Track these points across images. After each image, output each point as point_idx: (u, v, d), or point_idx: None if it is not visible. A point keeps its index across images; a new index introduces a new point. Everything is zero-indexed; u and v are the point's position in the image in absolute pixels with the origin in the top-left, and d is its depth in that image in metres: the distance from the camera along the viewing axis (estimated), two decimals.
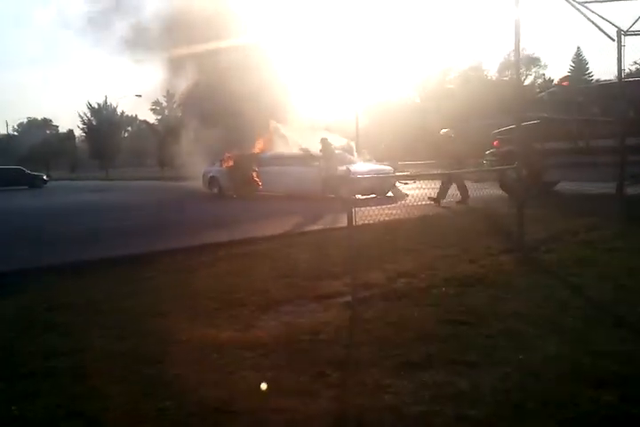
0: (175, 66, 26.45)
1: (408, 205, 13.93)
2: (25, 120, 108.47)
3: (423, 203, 14.52)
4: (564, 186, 16.08)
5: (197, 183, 23.02)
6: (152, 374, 3.80)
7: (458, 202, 13.19)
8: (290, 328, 4.66)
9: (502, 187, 13.90)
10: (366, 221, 7.06)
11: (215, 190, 20.75)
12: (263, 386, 3.51)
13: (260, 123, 21.48)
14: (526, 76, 68.14)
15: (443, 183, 13.98)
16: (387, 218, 9.82)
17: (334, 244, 8.19)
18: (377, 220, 8.85)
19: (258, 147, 20.50)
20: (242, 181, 19.09)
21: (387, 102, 58.01)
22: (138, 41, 26.27)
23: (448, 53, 70.35)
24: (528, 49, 65.84)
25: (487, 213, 11.13)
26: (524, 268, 6.41)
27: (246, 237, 9.61)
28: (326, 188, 15.38)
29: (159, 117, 75.00)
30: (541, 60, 67.97)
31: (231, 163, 20.02)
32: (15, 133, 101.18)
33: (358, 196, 16.45)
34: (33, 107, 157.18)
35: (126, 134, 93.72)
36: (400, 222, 9.80)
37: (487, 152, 15.22)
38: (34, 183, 38.65)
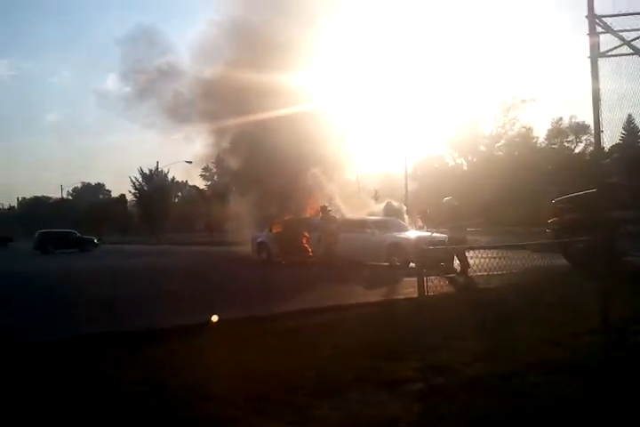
0: (220, 133, 26.73)
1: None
2: (79, 185, 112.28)
3: (485, 273, 13.85)
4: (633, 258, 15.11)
5: (246, 248, 22.69)
6: None
7: (458, 273, 12.46)
8: (355, 422, 3.99)
9: (568, 258, 13.02)
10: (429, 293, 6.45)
11: (264, 256, 20.31)
12: None
13: (312, 188, 21.30)
14: (577, 143, 67.36)
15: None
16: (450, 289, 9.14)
17: (396, 317, 7.54)
18: (439, 291, 8.19)
19: (308, 212, 20.08)
20: (291, 247, 18.63)
21: (435, 169, 57.80)
22: (181, 112, 26.83)
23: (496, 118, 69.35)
24: (578, 117, 65.14)
25: (556, 288, 10.28)
26: (617, 353, 5.59)
27: (298, 308, 8.99)
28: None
29: (208, 183, 76.47)
30: (591, 127, 66.83)
31: (280, 228, 19.66)
32: (69, 198, 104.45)
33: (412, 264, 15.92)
34: (87, 172, 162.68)
35: (176, 200, 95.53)
36: (465, 295, 9.06)
37: (550, 220, 14.43)
38: (85, 247, 39.09)
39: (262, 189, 23.63)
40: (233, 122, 24.87)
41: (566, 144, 67.13)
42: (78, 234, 41.36)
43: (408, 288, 11.35)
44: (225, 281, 14.71)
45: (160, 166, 77.25)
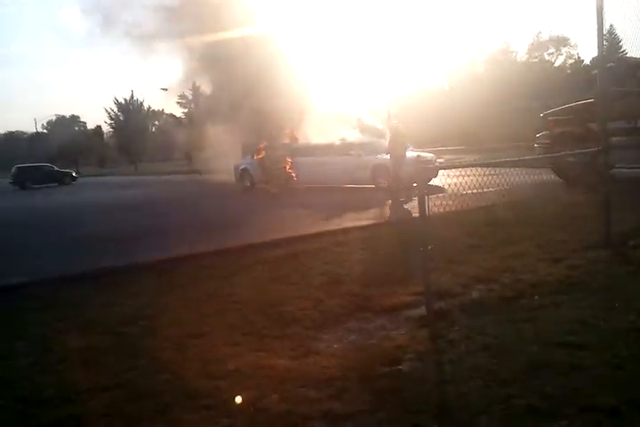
0: (195, 57, 25.59)
1: (456, 195, 13.02)
2: (53, 118, 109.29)
3: (471, 191, 13.63)
4: (620, 170, 14.93)
5: (225, 176, 22.24)
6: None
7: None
8: (359, 355, 3.79)
9: (558, 173, 12.80)
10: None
11: (247, 184, 19.92)
12: None
13: (290, 114, 20.57)
14: (557, 57, 66.00)
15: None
16: (441, 210, 8.87)
17: (389, 240, 7.31)
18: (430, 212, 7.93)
19: (288, 137, 19.47)
20: (274, 172, 18.20)
21: (416, 90, 56.50)
22: (156, 32, 25.52)
23: (475, 37, 67.99)
24: (555, 30, 63.42)
25: (549, 204, 10.10)
26: (625, 267, 5.41)
27: (288, 235, 8.72)
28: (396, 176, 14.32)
29: (185, 111, 74.68)
30: (571, 39, 65.15)
31: (263, 154, 19.14)
32: (44, 131, 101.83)
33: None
34: (60, 104, 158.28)
35: (153, 129, 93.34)
36: (457, 215, 8.81)
37: (538, 135, 14.04)
38: (63, 180, 38.41)
39: (239, 113, 22.83)
40: (205, 40, 23.77)
41: (547, 57, 65.79)
42: (56, 168, 40.54)
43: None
44: (211, 211, 14.37)
45: (135, 95, 75.22)
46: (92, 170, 68.57)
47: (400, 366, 3.51)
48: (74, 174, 41.07)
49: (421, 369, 3.46)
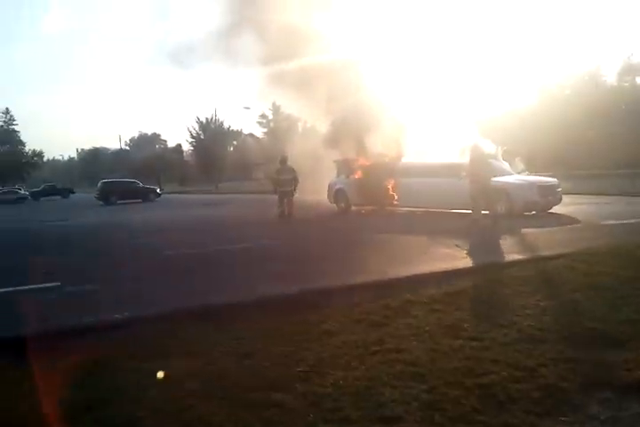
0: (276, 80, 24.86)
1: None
2: (136, 135, 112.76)
3: (609, 223, 12.04)
4: None
5: (315, 197, 21.10)
6: None
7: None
8: None
9: None
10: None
11: (342, 204, 18.71)
12: None
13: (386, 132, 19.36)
14: None
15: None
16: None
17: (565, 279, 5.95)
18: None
19: (391, 155, 18.08)
20: (374, 193, 16.97)
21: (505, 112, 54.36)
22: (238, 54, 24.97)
23: (566, 59, 65.10)
24: None
25: None
26: None
27: (431, 269, 7.41)
28: (476, 203, 12.82)
29: (265, 130, 75.00)
30: None
31: (361, 173, 17.96)
32: (127, 148, 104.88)
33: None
34: (144, 122, 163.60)
35: (231, 148, 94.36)
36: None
37: None
38: (148, 197, 38.33)
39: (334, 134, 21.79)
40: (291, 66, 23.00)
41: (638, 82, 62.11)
42: (141, 184, 40.64)
43: (543, 243, 9.65)
44: (319, 236, 13.06)
45: (216, 114, 76.30)
46: (172, 187, 69.42)
47: None
48: (158, 191, 41.06)
49: None
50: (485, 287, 6.21)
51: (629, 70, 61.62)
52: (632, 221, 12.18)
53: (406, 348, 4.34)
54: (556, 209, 14.61)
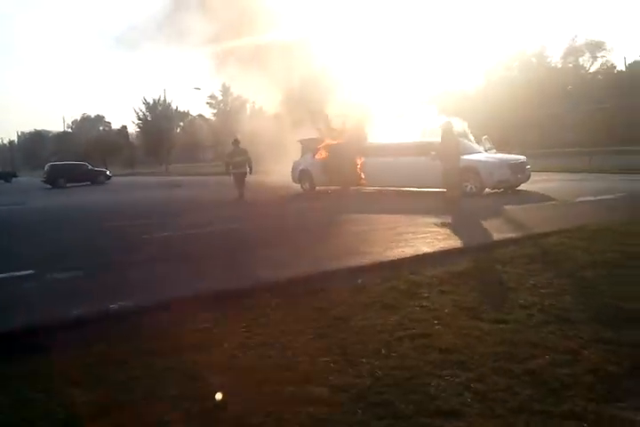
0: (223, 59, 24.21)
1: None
2: (79, 117, 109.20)
3: (585, 199, 12.13)
4: None
5: (276, 178, 20.74)
6: None
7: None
8: None
9: None
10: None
11: (306, 185, 18.41)
12: None
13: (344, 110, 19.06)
14: (592, 62, 63.65)
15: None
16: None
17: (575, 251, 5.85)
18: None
19: (355, 135, 17.73)
20: (340, 173, 16.68)
21: (455, 91, 54.63)
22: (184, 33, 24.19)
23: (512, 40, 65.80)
24: (591, 34, 61.27)
25: None
26: None
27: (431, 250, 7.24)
28: (449, 181, 12.68)
29: (214, 111, 73.69)
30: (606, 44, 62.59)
31: (326, 153, 17.64)
32: (70, 130, 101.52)
33: (487, 190, 14.11)
34: (87, 104, 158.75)
35: (179, 130, 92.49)
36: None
37: None
38: (97, 179, 37.19)
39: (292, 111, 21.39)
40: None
41: (582, 62, 63.48)
42: (90, 166, 39.31)
43: (530, 221, 9.57)
44: (296, 218, 12.63)
45: (165, 94, 74.51)
46: (120, 170, 67.58)
47: None
48: (108, 173, 39.85)
49: None
50: (489, 267, 6.06)
51: (573, 52, 62.88)
52: (605, 197, 12.31)
53: (432, 333, 4.12)
54: (523, 186, 14.69)
